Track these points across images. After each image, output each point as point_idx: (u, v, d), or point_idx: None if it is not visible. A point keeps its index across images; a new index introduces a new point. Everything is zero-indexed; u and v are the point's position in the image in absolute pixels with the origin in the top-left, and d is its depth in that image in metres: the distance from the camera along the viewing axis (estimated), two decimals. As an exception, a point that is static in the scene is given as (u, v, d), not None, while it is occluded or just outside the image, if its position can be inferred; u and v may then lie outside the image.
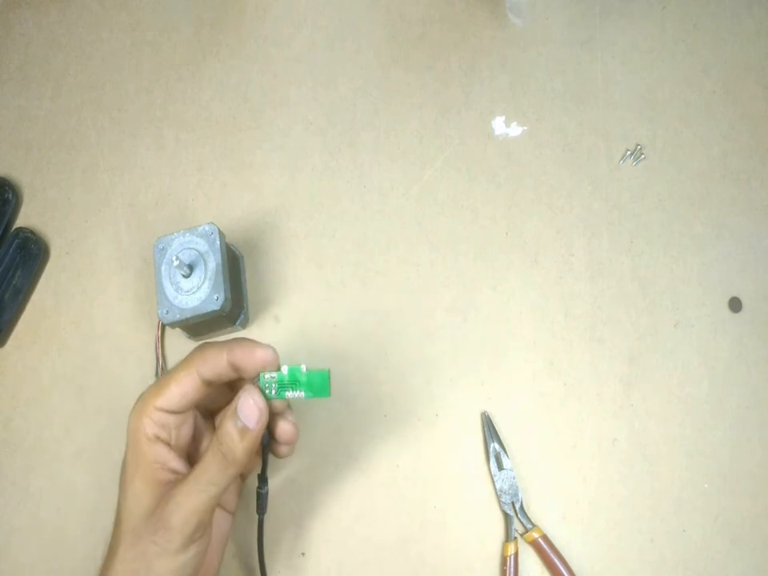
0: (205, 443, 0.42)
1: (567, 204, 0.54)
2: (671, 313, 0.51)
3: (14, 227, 0.55)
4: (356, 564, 0.47)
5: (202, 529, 0.37)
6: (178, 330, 0.50)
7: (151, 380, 0.50)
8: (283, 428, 0.40)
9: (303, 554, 0.48)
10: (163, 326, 0.51)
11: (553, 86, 0.57)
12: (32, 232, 0.54)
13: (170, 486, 0.37)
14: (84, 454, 0.50)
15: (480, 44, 0.58)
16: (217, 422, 0.43)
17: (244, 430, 0.36)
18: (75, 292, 0.54)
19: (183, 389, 0.38)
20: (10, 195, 0.55)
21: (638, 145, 0.55)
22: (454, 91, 0.57)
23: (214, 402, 0.42)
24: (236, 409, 0.37)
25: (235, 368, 0.38)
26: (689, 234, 0.53)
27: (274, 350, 0.39)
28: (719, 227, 0.53)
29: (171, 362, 0.51)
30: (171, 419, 0.38)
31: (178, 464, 0.39)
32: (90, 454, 0.50)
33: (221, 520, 0.43)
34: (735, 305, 0.51)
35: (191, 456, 0.41)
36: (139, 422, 0.38)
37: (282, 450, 0.41)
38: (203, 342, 0.41)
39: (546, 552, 0.46)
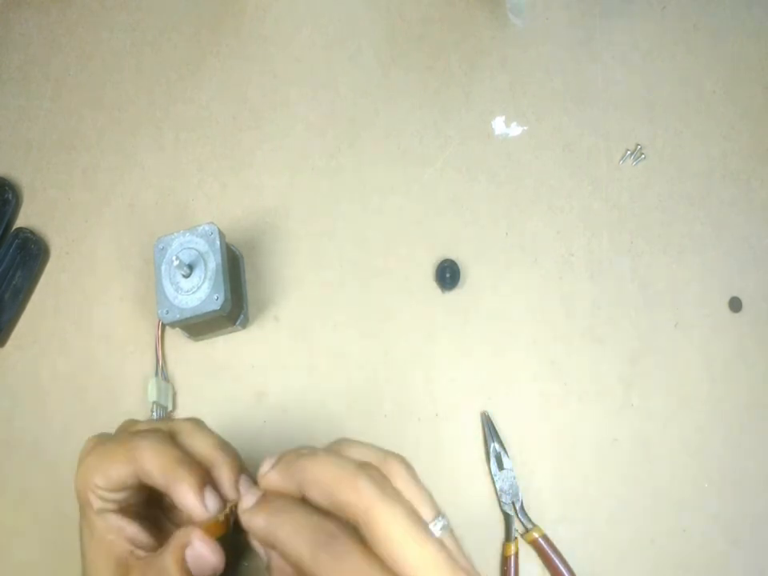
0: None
1: (567, 204, 0.54)
2: (671, 313, 0.51)
3: (14, 227, 0.55)
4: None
5: None
6: (178, 329, 0.50)
7: (151, 380, 0.50)
8: None
9: None
10: (163, 326, 0.51)
11: (553, 86, 0.57)
12: (32, 232, 0.54)
13: (123, 563, 0.33)
14: (84, 454, 0.50)
15: (480, 44, 0.58)
16: None
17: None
18: (75, 292, 0.54)
19: (122, 480, 0.34)
20: (10, 195, 0.55)
21: (638, 145, 0.55)
22: (453, 91, 0.57)
23: None
24: (185, 556, 0.31)
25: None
26: (689, 234, 0.53)
27: (215, 503, 0.32)
28: (719, 227, 0.53)
29: (171, 361, 0.51)
30: (117, 495, 0.34)
31: (134, 529, 0.34)
32: (89, 454, 0.50)
33: None
34: (735, 305, 0.51)
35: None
36: (84, 495, 0.34)
37: None
38: (148, 431, 0.35)
39: (547, 552, 0.46)
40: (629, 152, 0.54)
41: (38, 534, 0.49)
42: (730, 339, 0.51)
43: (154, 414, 0.48)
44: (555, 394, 0.50)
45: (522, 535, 0.47)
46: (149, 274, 0.53)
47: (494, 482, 0.48)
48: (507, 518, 0.47)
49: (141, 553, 0.34)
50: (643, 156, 0.54)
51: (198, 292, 0.46)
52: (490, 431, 0.49)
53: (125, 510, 0.35)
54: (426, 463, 0.49)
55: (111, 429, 0.50)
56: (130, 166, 0.57)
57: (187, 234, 0.47)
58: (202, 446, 0.35)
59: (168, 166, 0.56)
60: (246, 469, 0.35)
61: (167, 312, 0.46)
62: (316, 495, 0.29)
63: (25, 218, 0.56)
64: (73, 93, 0.59)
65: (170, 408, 0.50)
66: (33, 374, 0.52)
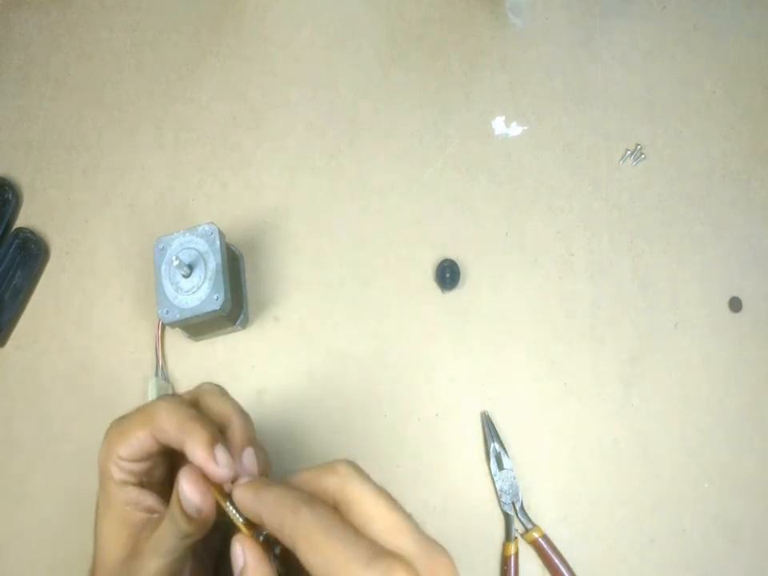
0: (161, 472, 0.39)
1: (567, 204, 0.54)
2: (671, 313, 0.51)
3: (14, 227, 0.55)
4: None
5: None
6: (178, 329, 0.50)
7: (151, 380, 0.50)
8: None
9: None
10: (163, 326, 0.51)
11: (553, 86, 0.57)
12: (32, 232, 0.54)
13: (142, 528, 0.35)
14: (84, 454, 0.50)
15: (480, 44, 0.58)
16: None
17: (198, 511, 0.33)
18: (75, 292, 0.54)
19: (140, 445, 0.35)
20: (10, 195, 0.55)
21: (638, 145, 0.55)
22: (454, 91, 0.57)
23: None
24: (183, 491, 0.33)
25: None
26: (689, 234, 0.53)
27: (231, 468, 0.33)
28: (719, 227, 0.53)
29: (171, 361, 0.51)
30: (138, 466, 0.36)
31: (153, 501, 0.36)
32: (90, 454, 0.50)
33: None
34: (735, 305, 0.51)
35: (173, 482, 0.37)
36: (105, 467, 0.36)
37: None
38: (165, 395, 0.38)
39: (547, 552, 0.46)
40: (629, 152, 0.54)
41: (38, 533, 0.49)
42: (730, 339, 0.51)
43: (154, 413, 0.48)
44: (555, 394, 0.50)
45: (521, 535, 0.47)
46: (149, 273, 0.53)
47: (494, 482, 0.48)
48: (507, 518, 0.47)
49: (156, 516, 0.36)
50: (643, 156, 0.54)
51: (198, 292, 0.46)
52: (490, 431, 0.49)
53: (144, 484, 0.37)
54: (426, 463, 0.49)
55: (111, 429, 0.50)
56: (129, 166, 0.57)
57: (187, 234, 0.47)
58: (219, 407, 0.37)
59: (168, 165, 0.56)
60: (255, 438, 0.37)
61: (167, 312, 0.46)
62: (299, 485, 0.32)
63: (25, 218, 0.56)
64: (73, 93, 0.59)
65: (169, 408, 0.50)
66: (33, 373, 0.52)
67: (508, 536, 0.47)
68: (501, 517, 0.47)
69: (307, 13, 0.60)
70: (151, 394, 0.48)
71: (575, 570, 0.46)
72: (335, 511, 0.30)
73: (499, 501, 0.48)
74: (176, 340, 0.52)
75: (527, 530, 0.47)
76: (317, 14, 0.60)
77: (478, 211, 0.54)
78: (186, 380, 0.51)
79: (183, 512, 0.33)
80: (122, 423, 0.36)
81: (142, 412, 0.36)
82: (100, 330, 0.53)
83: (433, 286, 0.52)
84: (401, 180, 0.55)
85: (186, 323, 0.46)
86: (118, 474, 0.36)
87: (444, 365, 0.51)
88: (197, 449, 0.33)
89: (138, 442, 0.35)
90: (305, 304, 0.52)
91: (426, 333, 0.51)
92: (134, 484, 0.36)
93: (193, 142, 0.57)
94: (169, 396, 0.37)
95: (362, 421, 0.49)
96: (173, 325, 0.47)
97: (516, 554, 0.46)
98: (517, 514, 0.47)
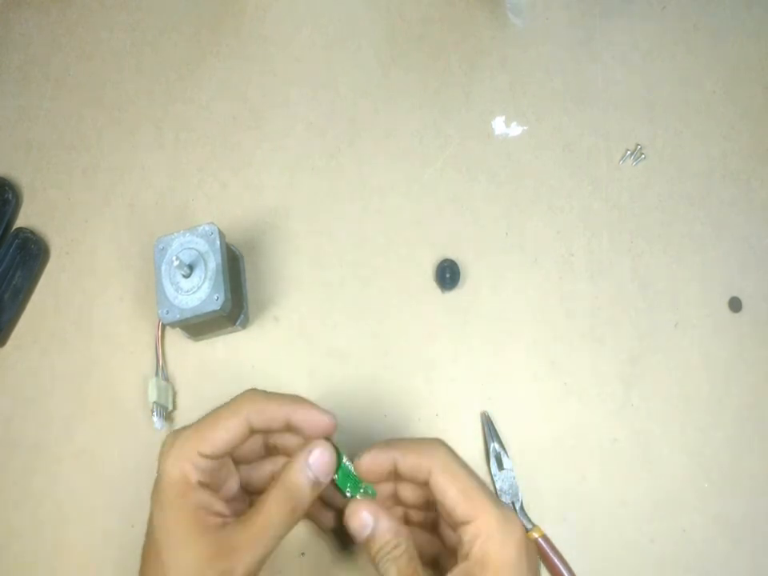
0: (233, 480, 0.41)
1: (567, 204, 0.54)
2: (671, 313, 0.51)
3: (14, 227, 0.55)
4: (355, 564, 0.47)
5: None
6: (178, 329, 0.50)
7: (151, 380, 0.50)
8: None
9: (303, 553, 0.47)
10: (163, 326, 0.51)
11: (553, 86, 0.57)
12: (32, 232, 0.54)
13: (218, 530, 0.36)
14: (84, 454, 0.50)
15: (480, 44, 0.58)
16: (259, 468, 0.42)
17: (316, 483, 0.37)
18: (75, 292, 0.54)
19: (231, 435, 0.38)
20: (10, 195, 0.55)
21: (638, 145, 0.55)
22: (454, 91, 0.57)
23: None
24: (308, 462, 0.37)
25: (290, 427, 0.39)
26: (689, 234, 0.53)
27: (334, 417, 0.40)
28: (719, 227, 0.53)
29: (171, 361, 0.51)
30: (215, 464, 0.38)
31: (221, 507, 0.38)
32: (89, 454, 0.50)
33: None
34: (735, 305, 0.51)
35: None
36: (179, 468, 0.37)
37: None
38: (251, 389, 0.40)
39: (546, 552, 0.46)
40: (629, 152, 0.54)
41: (38, 533, 0.49)
42: (730, 339, 0.51)
43: (155, 414, 0.48)
44: (555, 394, 0.50)
45: (522, 535, 0.47)
46: (149, 273, 0.53)
47: (493, 483, 0.48)
48: (507, 518, 0.47)
49: (231, 520, 0.37)
50: (643, 156, 0.54)
51: (198, 292, 0.46)
52: (490, 431, 0.49)
53: (213, 488, 0.38)
54: (426, 463, 0.49)
55: (111, 429, 0.50)
56: (129, 166, 0.57)
57: (187, 234, 0.47)
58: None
59: (168, 165, 0.56)
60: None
61: (167, 312, 0.46)
62: (403, 459, 0.39)
63: (25, 218, 0.56)
64: (73, 93, 0.59)
65: (170, 408, 0.50)
66: (33, 374, 0.52)
67: (508, 536, 0.47)
68: (501, 517, 0.47)
69: (307, 13, 0.60)
70: (151, 394, 0.48)
71: (575, 570, 0.46)
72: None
73: (499, 501, 0.48)
74: (176, 340, 0.52)
75: (527, 531, 0.47)
76: (317, 14, 0.60)
77: (478, 211, 0.54)
78: (185, 380, 0.51)
79: (310, 482, 0.37)
80: (202, 424, 0.38)
81: (229, 406, 0.38)
82: (100, 330, 0.53)
83: (433, 286, 0.52)
84: (401, 180, 0.55)
85: (186, 323, 0.46)
86: (195, 476, 0.37)
87: (444, 365, 0.51)
88: (311, 411, 0.39)
89: (227, 433, 0.37)
90: (305, 304, 0.52)
91: (426, 333, 0.51)
92: (207, 486, 0.37)
93: (193, 142, 0.57)
94: (251, 389, 0.40)
95: (362, 421, 0.49)
96: (173, 325, 0.47)
97: (516, 554, 0.46)
98: (517, 514, 0.47)
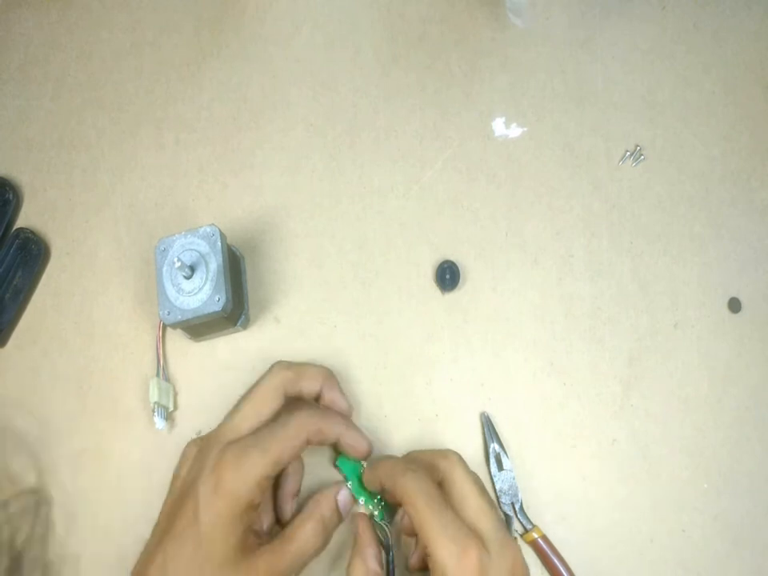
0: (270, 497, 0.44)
1: (567, 204, 0.54)
2: (671, 313, 0.51)
3: (15, 227, 0.55)
4: None
5: None
6: (178, 330, 0.50)
7: (152, 380, 0.50)
8: None
9: None
10: (164, 327, 0.51)
11: (553, 87, 0.57)
12: (32, 232, 0.54)
13: (254, 551, 0.38)
14: (84, 454, 0.50)
15: (480, 44, 0.58)
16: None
17: (341, 519, 0.42)
18: (76, 292, 0.54)
19: (294, 455, 0.40)
20: (11, 195, 0.55)
21: (638, 145, 0.55)
22: (454, 92, 0.57)
23: None
24: (338, 499, 0.42)
25: (337, 445, 0.44)
26: (689, 234, 0.53)
27: (372, 444, 0.45)
28: (719, 227, 0.53)
29: (171, 362, 0.51)
30: (269, 484, 0.40)
31: (260, 525, 0.41)
32: (90, 454, 0.50)
33: None
34: (735, 305, 0.51)
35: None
36: (247, 491, 0.37)
37: None
38: (309, 407, 0.44)
39: (546, 552, 0.46)
40: (628, 152, 0.54)
41: (38, 533, 0.49)
42: (730, 339, 0.51)
43: (156, 414, 0.48)
44: (555, 394, 0.50)
45: (521, 536, 0.47)
46: (149, 274, 0.53)
47: (493, 483, 0.48)
48: (507, 519, 0.47)
49: (265, 541, 0.39)
50: (643, 156, 0.54)
51: (200, 293, 0.46)
52: (490, 432, 0.49)
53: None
54: (426, 463, 0.49)
55: (111, 429, 0.50)
56: (130, 167, 0.57)
57: (188, 236, 0.47)
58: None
59: (168, 166, 0.56)
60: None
61: (168, 313, 0.46)
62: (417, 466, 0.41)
63: (25, 219, 0.56)
64: (73, 93, 0.59)
65: (171, 408, 0.50)
66: (33, 373, 0.52)
67: (508, 536, 0.47)
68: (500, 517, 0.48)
69: (307, 13, 0.60)
70: (152, 394, 0.48)
71: (575, 570, 0.46)
72: (435, 483, 0.39)
73: (498, 501, 0.48)
74: (176, 340, 0.52)
75: (526, 531, 0.47)
76: (317, 15, 0.60)
77: (478, 212, 0.54)
78: (187, 380, 0.51)
79: (338, 512, 0.42)
80: (269, 445, 0.39)
81: (292, 425, 0.40)
82: (100, 330, 0.53)
83: (433, 286, 0.52)
84: (401, 180, 0.55)
85: (187, 324, 0.47)
86: (259, 498, 0.38)
87: (444, 365, 0.51)
88: (357, 437, 0.44)
89: (292, 454, 0.40)
90: (305, 304, 0.52)
91: (426, 333, 0.51)
92: (257, 507, 0.39)
93: (193, 142, 0.57)
94: (308, 407, 0.44)
95: (362, 421, 0.49)
96: (174, 326, 0.47)
97: (516, 554, 0.46)
98: (516, 515, 0.47)
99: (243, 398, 0.43)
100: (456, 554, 0.35)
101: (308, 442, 0.41)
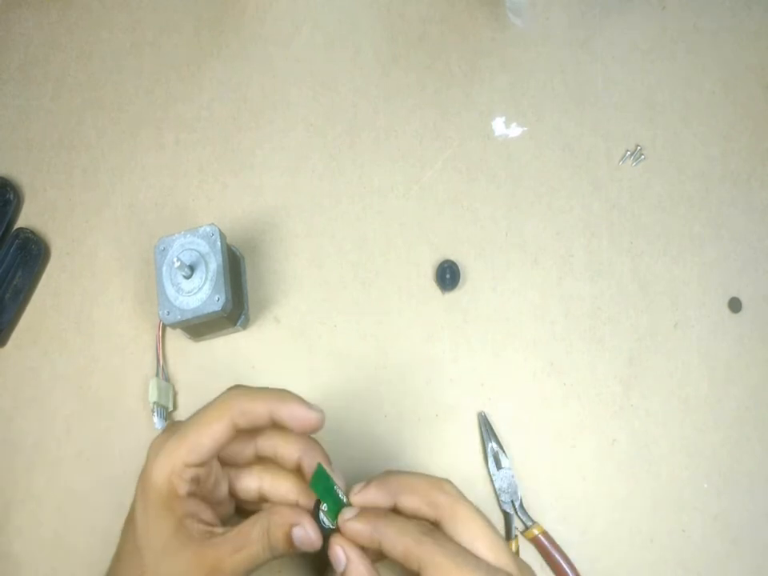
0: (222, 484, 0.41)
1: (567, 204, 0.54)
2: (671, 313, 0.51)
3: (15, 227, 0.55)
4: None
5: None
6: (178, 330, 0.50)
7: (151, 380, 0.50)
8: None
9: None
10: (164, 327, 0.51)
11: (553, 87, 0.57)
12: (32, 232, 0.54)
13: (202, 541, 0.36)
14: (84, 454, 0.50)
15: (480, 44, 0.58)
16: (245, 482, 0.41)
17: (295, 547, 0.36)
18: (76, 292, 0.54)
19: (216, 439, 0.36)
20: (11, 195, 0.55)
21: (638, 145, 0.55)
22: (454, 92, 0.57)
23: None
24: (293, 531, 0.36)
25: (277, 423, 0.37)
26: (689, 234, 0.53)
27: (322, 413, 0.38)
28: (719, 227, 0.53)
29: (172, 362, 0.51)
30: (201, 471, 0.37)
31: (209, 515, 0.38)
32: (90, 454, 0.50)
33: None
34: (735, 305, 0.51)
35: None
36: (167, 480, 0.36)
37: None
38: (235, 386, 0.39)
39: (547, 548, 0.46)
40: (629, 152, 0.54)
41: (38, 533, 0.49)
42: (730, 339, 0.51)
43: (155, 414, 0.48)
44: (555, 395, 0.50)
45: (522, 533, 0.47)
46: (149, 274, 0.53)
47: (492, 482, 0.48)
48: (507, 517, 0.47)
49: (218, 530, 0.37)
50: (643, 156, 0.54)
51: (199, 293, 0.46)
52: (487, 431, 0.49)
53: (199, 496, 0.38)
54: (425, 464, 0.49)
55: (111, 429, 0.50)
56: (130, 167, 0.57)
57: (188, 235, 0.47)
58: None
59: (168, 166, 0.56)
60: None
61: (168, 313, 0.46)
62: (409, 500, 0.37)
63: (25, 219, 0.56)
64: (73, 93, 0.59)
65: (170, 408, 0.50)
66: (33, 374, 0.52)
67: (508, 534, 0.47)
68: (500, 516, 0.48)
69: (307, 13, 0.60)
70: (152, 394, 0.49)
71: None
72: (453, 541, 0.35)
73: (498, 500, 0.48)
74: (176, 340, 0.52)
75: (527, 528, 0.47)
76: (317, 15, 0.60)
77: (478, 211, 0.54)
78: (186, 380, 0.51)
79: (288, 542, 0.36)
80: (184, 431, 0.37)
81: (214, 407, 0.37)
82: (100, 330, 0.53)
83: (433, 286, 0.52)
84: (401, 181, 0.55)
85: (186, 324, 0.47)
86: (182, 487, 0.36)
87: (444, 365, 0.51)
88: (298, 407, 0.37)
89: (213, 440, 0.36)
90: (305, 304, 0.52)
91: (426, 333, 0.51)
92: (194, 495, 0.37)
93: (193, 142, 0.57)
94: (235, 386, 0.39)
95: (362, 421, 0.50)
96: (174, 326, 0.47)
97: (516, 552, 0.46)
98: (516, 512, 0.47)
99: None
100: None
101: (235, 426, 0.37)
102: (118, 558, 0.39)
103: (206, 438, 0.36)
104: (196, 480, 0.37)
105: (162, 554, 0.36)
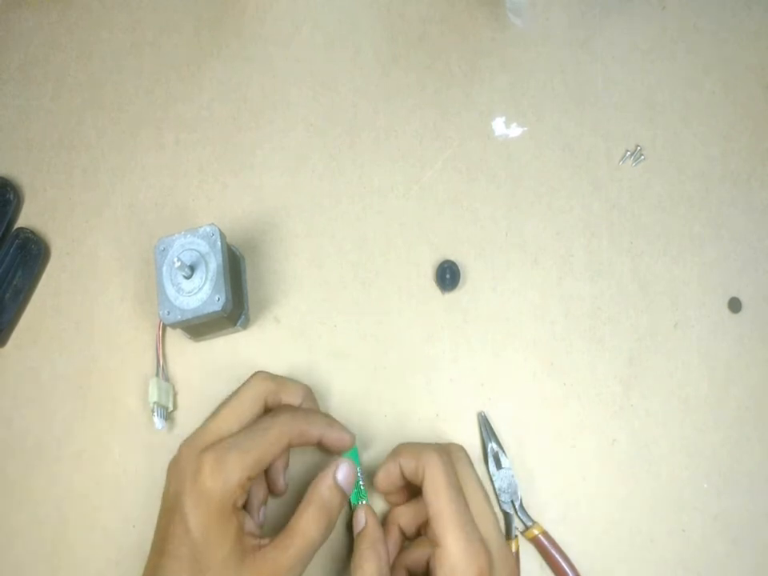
0: (261, 494, 0.44)
1: (567, 204, 0.54)
2: (671, 313, 0.51)
3: (15, 227, 0.55)
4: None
5: None
6: (178, 330, 0.50)
7: (151, 380, 0.50)
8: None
9: None
10: (164, 326, 0.51)
11: (553, 87, 0.57)
12: (33, 232, 0.54)
13: (255, 554, 0.37)
14: (84, 454, 0.50)
15: (480, 44, 0.58)
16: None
17: (345, 498, 0.41)
18: (76, 292, 0.54)
19: (276, 456, 0.39)
20: (11, 195, 0.55)
21: (638, 145, 0.55)
22: (454, 92, 0.57)
23: None
24: (338, 478, 0.41)
25: (320, 445, 0.43)
26: (689, 234, 0.53)
27: (354, 436, 0.44)
28: (719, 227, 0.53)
29: (172, 362, 0.51)
30: (252, 484, 0.40)
31: (253, 526, 0.40)
32: (89, 454, 0.50)
33: None
34: (735, 305, 0.51)
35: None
36: (230, 493, 0.37)
37: None
38: (287, 408, 0.43)
39: (547, 548, 0.46)
40: (628, 152, 0.55)
41: (38, 533, 0.49)
42: (730, 339, 0.51)
43: (155, 414, 0.48)
44: (555, 395, 0.50)
45: (522, 533, 0.47)
46: (149, 274, 0.53)
47: (492, 481, 0.48)
48: (507, 517, 0.47)
49: (264, 541, 0.39)
50: (643, 156, 0.54)
51: (200, 293, 0.46)
52: (487, 431, 0.49)
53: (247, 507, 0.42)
54: (426, 463, 0.49)
55: (111, 429, 0.50)
56: (130, 167, 0.57)
57: (188, 235, 0.47)
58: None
59: (168, 166, 0.56)
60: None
61: (168, 313, 0.46)
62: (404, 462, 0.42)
63: (25, 218, 0.56)
64: (73, 93, 0.59)
65: (170, 408, 0.50)
66: (33, 374, 0.52)
67: (508, 534, 0.47)
68: (500, 516, 0.48)
69: (307, 13, 0.60)
70: (152, 394, 0.48)
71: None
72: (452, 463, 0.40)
73: (498, 500, 0.48)
74: (176, 340, 0.52)
75: (527, 528, 0.47)
76: (317, 15, 0.60)
77: (478, 211, 0.54)
78: (186, 380, 0.51)
79: (341, 497, 0.40)
80: (250, 446, 0.38)
81: (273, 427, 0.40)
82: (100, 330, 0.53)
83: (433, 286, 0.52)
84: (401, 181, 0.55)
85: (186, 324, 0.47)
86: (241, 500, 0.38)
87: (444, 365, 0.51)
88: (339, 432, 0.43)
89: (274, 456, 0.39)
90: (305, 304, 0.52)
91: (426, 333, 0.51)
92: (244, 508, 0.39)
93: (193, 142, 0.57)
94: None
95: (362, 421, 0.50)
96: (174, 326, 0.47)
97: (517, 552, 0.46)
98: (516, 512, 0.47)
99: (222, 405, 0.42)
100: (469, 556, 0.36)
101: (290, 445, 0.40)
102: (167, 556, 0.38)
103: (270, 455, 0.39)
104: (247, 493, 0.39)
105: (224, 568, 0.36)
